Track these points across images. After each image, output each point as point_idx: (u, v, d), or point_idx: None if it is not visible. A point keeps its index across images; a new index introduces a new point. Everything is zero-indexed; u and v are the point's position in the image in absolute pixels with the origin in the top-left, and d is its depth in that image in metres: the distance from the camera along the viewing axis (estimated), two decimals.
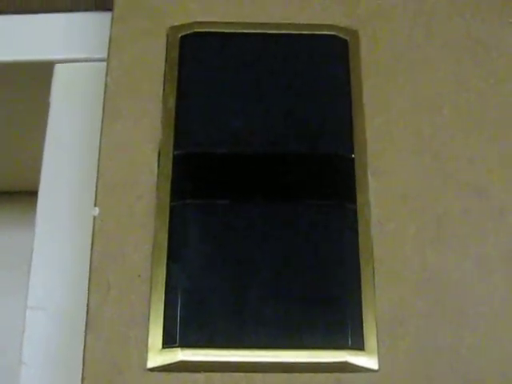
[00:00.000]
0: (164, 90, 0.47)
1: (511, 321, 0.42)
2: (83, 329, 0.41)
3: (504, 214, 0.44)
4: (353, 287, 0.42)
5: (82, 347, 0.41)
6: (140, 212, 0.44)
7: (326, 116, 0.46)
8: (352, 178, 0.45)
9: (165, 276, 0.42)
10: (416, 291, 0.42)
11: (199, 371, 0.40)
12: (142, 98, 0.47)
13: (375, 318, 0.42)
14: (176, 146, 0.45)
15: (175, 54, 0.48)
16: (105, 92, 0.47)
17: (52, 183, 0.50)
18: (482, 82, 0.48)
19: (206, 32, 0.48)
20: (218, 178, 0.44)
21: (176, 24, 0.49)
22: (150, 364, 0.40)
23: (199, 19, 0.49)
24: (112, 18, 0.49)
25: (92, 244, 0.43)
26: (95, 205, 0.44)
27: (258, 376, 0.41)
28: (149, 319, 0.41)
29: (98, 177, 0.44)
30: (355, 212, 0.44)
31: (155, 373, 0.40)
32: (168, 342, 0.41)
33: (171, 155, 0.45)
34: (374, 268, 0.43)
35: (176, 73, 0.47)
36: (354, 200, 0.44)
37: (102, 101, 0.46)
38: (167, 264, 0.42)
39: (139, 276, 0.42)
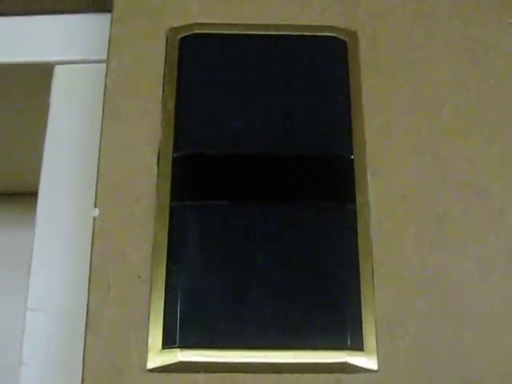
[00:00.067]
0: (163, 91, 0.47)
1: (510, 321, 0.42)
2: (83, 329, 0.41)
3: (504, 214, 0.44)
4: (352, 287, 0.42)
5: (82, 347, 0.41)
6: (140, 213, 0.44)
7: (325, 117, 0.46)
8: (351, 178, 0.45)
9: (164, 276, 0.42)
10: (416, 291, 0.42)
11: (199, 372, 0.40)
12: (142, 99, 0.47)
13: (374, 319, 0.42)
14: (176, 146, 0.45)
15: (175, 55, 0.48)
16: (104, 93, 0.47)
17: (52, 184, 0.50)
18: (481, 82, 0.48)
19: (205, 33, 0.48)
20: (217, 178, 0.44)
21: (176, 25, 0.49)
22: (150, 364, 0.40)
23: (199, 20, 0.49)
24: (111, 20, 0.49)
25: (92, 244, 0.43)
26: (95, 205, 0.44)
27: (258, 376, 0.40)
28: (149, 320, 0.41)
29: (97, 177, 0.44)
30: (355, 212, 0.44)
31: (155, 373, 0.40)
32: (168, 343, 0.41)
33: (171, 156, 0.45)
34: (373, 268, 0.43)
35: (176, 74, 0.47)
36: (353, 200, 0.44)
37: (102, 102, 0.47)
38: (167, 264, 0.42)
39: (139, 276, 0.42)
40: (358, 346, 0.41)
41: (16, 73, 0.56)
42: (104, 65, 0.48)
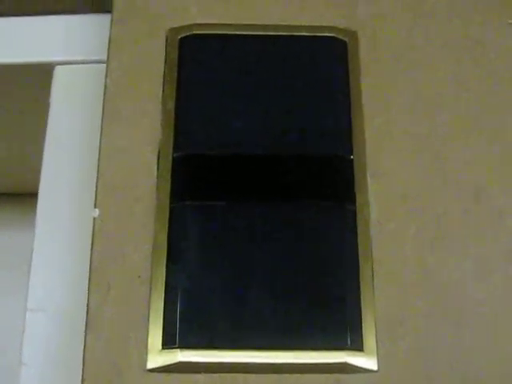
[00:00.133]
0: (163, 91, 0.47)
1: (510, 321, 0.42)
2: (83, 329, 0.41)
3: (503, 214, 0.44)
4: (352, 287, 0.42)
5: (82, 348, 0.41)
6: (140, 213, 0.44)
7: (325, 117, 0.46)
8: (351, 178, 0.45)
9: (164, 277, 0.42)
10: (415, 291, 0.42)
11: (199, 372, 0.40)
12: (142, 99, 0.47)
13: (374, 319, 0.42)
14: (176, 147, 0.45)
15: (174, 55, 0.48)
16: (104, 93, 0.47)
17: (52, 184, 0.50)
18: (481, 82, 0.48)
19: (205, 34, 0.48)
20: (217, 178, 0.44)
21: (175, 26, 0.49)
22: (150, 365, 0.40)
23: (198, 21, 0.49)
24: (111, 20, 0.49)
25: (92, 245, 0.43)
26: (95, 206, 0.44)
27: (258, 377, 0.41)
28: (148, 320, 0.41)
29: (97, 178, 0.45)
30: (354, 212, 0.44)
31: (155, 373, 0.40)
32: (168, 343, 0.41)
33: (171, 156, 0.45)
34: (373, 268, 0.43)
35: (175, 74, 0.47)
36: (353, 200, 0.44)
37: (102, 102, 0.47)
38: (167, 265, 0.42)
39: (139, 277, 0.42)
40: (357, 347, 0.41)
41: (16, 73, 0.56)
42: (104, 65, 0.48)
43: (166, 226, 0.43)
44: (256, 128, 0.46)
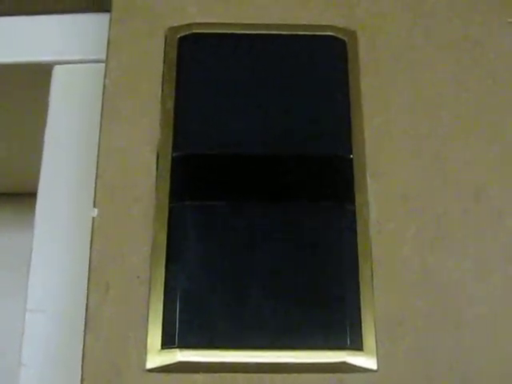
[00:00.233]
0: (163, 90, 0.47)
1: (510, 321, 0.42)
2: (82, 329, 0.41)
3: (503, 214, 0.44)
4: (352, 287, 0.42)
5: (82, 348, 0.41)
6: (139, 213, 0.44)
7: (324, 117, 0.46)
8: (351, 178, 0.45)
9: (164, 277, 0.42)
10: (415, 291, 0.42)
11: (198, 372, 0.40)
12: (141, 98, 0.47)
13: (374, 318, 0.42)
14: (175, 147, 0.45)
15: (173, 54, 0.48)
16: (103, 93, 0.47)
17: (51, 184, 0.50)
18: (481, 82, 0.48)
19: (204, 33, 0.48)
20: (216, 178, 0.44)
21: (174, 25, 0.49)
22: (149, 365, 0.40)
23: (197, 20, 0.49)
24: (110, 19, 0.49)
25: (91, 245, 0.43)
26: (94, 205, 0.44)
27: (258, 376, 0.41)
28: (148, 320, 0.41)
29: (96, 177, 0.44)
30: (354, 212, 0.44)
31: (154, 373, 0.40)
32: (167, 343, 0.41)
33: (170, 156, 0.45)
34: (372, 268, 0.43)
35: (174, 74, 0.47)
36: (352, 200, 0.44)
37: (101, 102, 0.46)
38: (166, 265, 0.42)
39: (138, 277, 0.42)
40: (357, 346, 0.41)
41: (15, 73, 0.55)
42: (103, 65, 0.48)
43: (166, 225, 0.43)
44: (255, 127, 0.46)
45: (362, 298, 0.42)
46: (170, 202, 0.44)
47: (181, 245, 0.43)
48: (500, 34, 0.49)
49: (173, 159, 0.45)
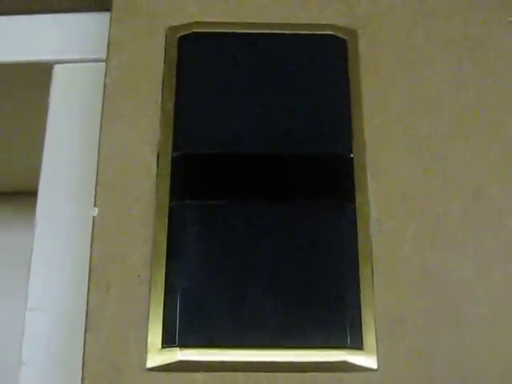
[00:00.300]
0: (163, 90, 0.47)
1: (510, 321, 0.42)
2: (83, 328, 0.41)
3: (503, 214, 0.44)
4: (352, 286, 0.42)
5: (82, 347, 0.41)
6: (139, 212, 0.44)
7: (324, 116, 0.46)
8: (351, 177, 0.45)
9: (164, 276, 0.42)
10: (415, 291, 0.42)
11: (198, 371, 0.41)
12: (141, 98, 0.47)
13: (374, 318, 0.42)
14: (175, 146, 0.45)
15: (174, 54, 0.48)
16: (104, 92, 0.47)
17: (51, 183, 0.50)
18: (481, 81, 0.48)
19: (204, 32, 0.48)
20: (217, 177, 0.44)
21: (175, 24, 0.49)
22: (150, 364, 0.41)
23: (198, 19, 0.49)
24: (111, 19, 0.49)
25: (91, 244, 0.43)
26: (94, 205, 0.44)
27: (258, 375, 0.41)
28: (148, 319, 0.41)
29: (97, 177, 0.44)
30: (354, 211, 0.44)
31: (154, 372, 0.40)
32: (167, 342, 0.41)
33: (170, 155, 0.45)
34: (373, 267, 0.43)
35: (175, 73, 0.47)
36: (353, 199, 0.44)
37: (101, 101, 0.46)
38: (166, 264, 0.42)
39: (139, 276, 0.42)
40: (357, 345, 0.41)
41: (15, 72, 0.55)
42: (103, 64, 0.48)
43: (166, 225, 0.43)
44: (256, 127, 0.46)
45: (362, 296, 0.42)
46: (170, 202, 0.44)
47: (181, 244, 0.43)
48: (500, 33, 0.49)
49: (173, 158, 0.45)
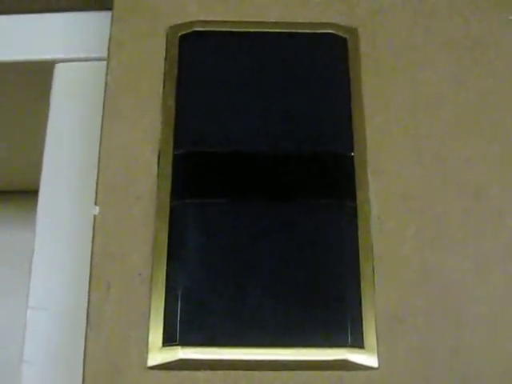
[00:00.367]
0: (164, 89, 0.47)
1: (510, 320, 0.42)
2: (84, 327, 0.41)
3: (503, 214, 0.44)
4: (352, 285, 0.42)
5: (83, 345, 0.41)
6: (140, 211, 0.44)
7: (325, 115, 0.46)
8: (352, 176, 0.45)
9: (165, 275, 0.42)
10: (415, 290, 0.42)
11: (199, 369, 0.41)
12: (142, 97, 0.47)
13: (375, 316, 0.42)
14: (176, 145, 0.45)
15: (175, 52, 0.48)
16: (105, 91, 0.47)
17: (53, 182, 0.50)
18: (481, 81, 0.48)
19: (205, 31, 0.48)
20: (217, 176, 0.44)
21: (176, 23, 0.49)
22: (151, 362, 0.41)
23: (198, 18, 0.49)
24: (112, 18, 0.49)
25: (92, 243, 0.43)
26: (95, 204, 0.44)
27: (258, 374, 0.41)
28: (149, 318, 0.41)
29: (98, 176, 0.45)
30: (355, 210, 0.44)
31: (155, 371, 0.41)
32: (168, 341, 0.41)
33: (171, 155, 0.45)
34: (373, 266, 0.43)
35: (176, 72, 0.47)
36: (353, 198, 0.44)
37: (103, 100, 0.47)
38: (167, 263, 0.42)
39: (139, 275, 0.42)
40: (358, 344, 0.41)
41: (17, 71, 0.56)
42: (105, 63, 0.48)
43: (167, 224, 0.43)
44: (257, 125, 0.46)
45: (362, 295, 0.42)
46: (171, 201, 0.44)
47: (182, 243, 0.43)
48: (500, 32, 0.49)
49: (174, 157, 0.45)
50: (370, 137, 0.46)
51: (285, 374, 0.41)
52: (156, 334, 0.41)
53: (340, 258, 0.43)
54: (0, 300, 0.75)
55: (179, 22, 0.49)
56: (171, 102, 0.46)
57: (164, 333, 0.41)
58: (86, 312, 0.41)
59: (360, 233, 0.44)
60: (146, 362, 0.41)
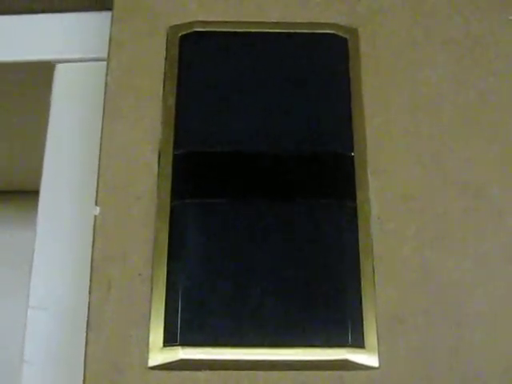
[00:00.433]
0: (164, 89, 0.47)
1: (510, 320, 0.42)
2: (84, 327, 0.41)
3: (503, 214, 0.44)
4: (353, 285, 0.42)
5: (84, 345, 0.41)
6: (140, 211, 0.44)
7: (325, 115, 0.46)
8: (352, 176, 0.45)
9: (165, 275, 0.42)
10: (415, 290, 0.42)
11: (200, 369, 0.41)
12: (143, 97, 0.47)
13: (375, 316, 0.42)
14: (176, 145, 0.45)
15: (175, 52, 0.48)
16: (105, 91, 0.47)
17: (53, 182, 0.50)
18: (481, 81, 0.48)
19: (205, 31, 0.48)
20: (218, 176, 0.44)
21: (176, 23, 0.49)
22: (151, 362, 0.41)
23: (199, 18, 0.49)
24: (112, 18, 0.49)
25: (93, 243, 0.43)
26: (96, 204, 0.44)
27: (259, 374, 0.41)
28: (150, 318, 0.41)
29: (98, 176, 0.45)
30: (355, 210, 0.44)
31: (156, 371, 0.41)
32: (169, 341, 0.41)
33: (171, 155, 0.45)
34: (373, 266, 0.43)
35: (176, 72, 0.47)
36: (353, 198, 0.44)
37: (103, 100, 0.47)
38: (168, 263, 0.42)
39: (140, 275, 0.42)
40: (358, 344, 0.41)
41: (17, 71, 0.56)
42: (105, 63, 0.48)
43: (167, 224, 0.43)
44: (257, 125, 0.46)
45: (363, 295, 0.42)
46: (171, 201, 0.44)
47: (182, 243, 0.43)
48: (500, 32, 0.49)
49: (174, 157, 0.45)
50: (369, 137, 0.46)
51: (285, 373, 0.41)
52: (157, 334, 0.41)
53: (340, 258, 0.43)
54: (0, 300, 0.75)
55: (179, 22, 0.49)
56: (171, 102, 0.46)
57: (165, 333, 0.41)
58: (86, 312, 0.41)
59: (360, 233, 0.44)
60: (146, 362, 0.41)
